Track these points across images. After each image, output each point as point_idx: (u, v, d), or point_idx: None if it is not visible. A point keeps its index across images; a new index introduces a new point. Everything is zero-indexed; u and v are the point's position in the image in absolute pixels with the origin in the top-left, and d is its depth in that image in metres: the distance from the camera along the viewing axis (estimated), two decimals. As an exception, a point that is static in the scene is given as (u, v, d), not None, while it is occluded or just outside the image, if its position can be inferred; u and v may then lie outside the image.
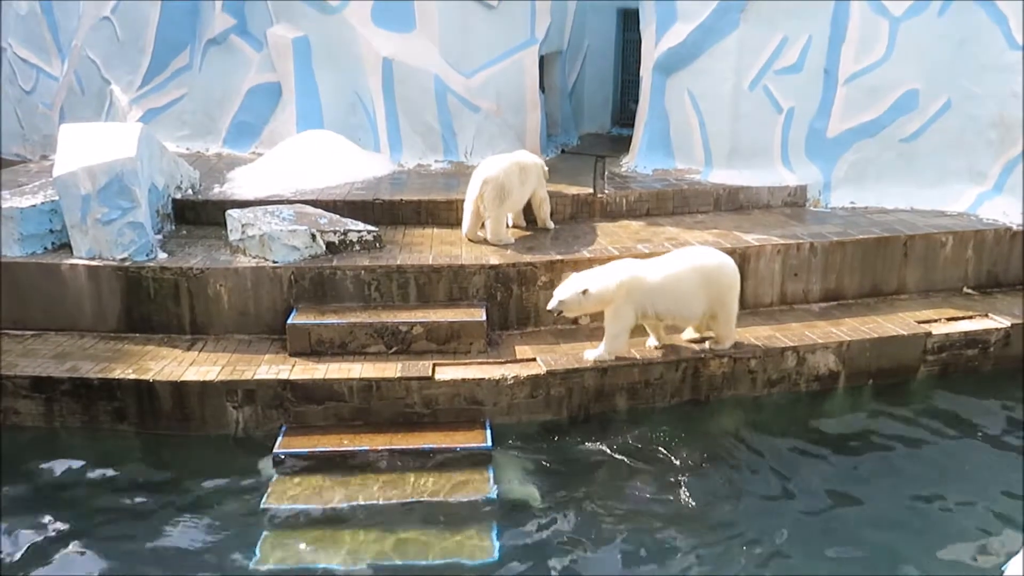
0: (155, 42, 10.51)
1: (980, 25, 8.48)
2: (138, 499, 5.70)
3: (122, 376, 6.32)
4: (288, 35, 9.98)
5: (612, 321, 6.55)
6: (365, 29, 9.76)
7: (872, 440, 6.48)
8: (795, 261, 7.74)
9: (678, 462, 6.12)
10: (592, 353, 6.64)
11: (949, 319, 7.53)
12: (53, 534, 5.35)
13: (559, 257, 7.29)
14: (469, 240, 7.71)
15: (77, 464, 6.04)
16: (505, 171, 7.58)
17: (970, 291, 8.18)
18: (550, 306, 6.50)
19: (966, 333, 7.34)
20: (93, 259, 7.08)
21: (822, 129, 8.96)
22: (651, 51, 9.46)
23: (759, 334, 7.16)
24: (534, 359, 6.67)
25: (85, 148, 7.18)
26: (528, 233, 8.00)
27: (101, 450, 6.19)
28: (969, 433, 6.57)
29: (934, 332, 7.27)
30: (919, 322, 7.42)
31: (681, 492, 5.80)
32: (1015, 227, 8.28)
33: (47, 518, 5.48)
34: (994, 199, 8.58)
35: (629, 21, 11.45)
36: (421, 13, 9.77)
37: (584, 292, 6.38)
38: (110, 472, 5.97)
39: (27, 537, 5.32)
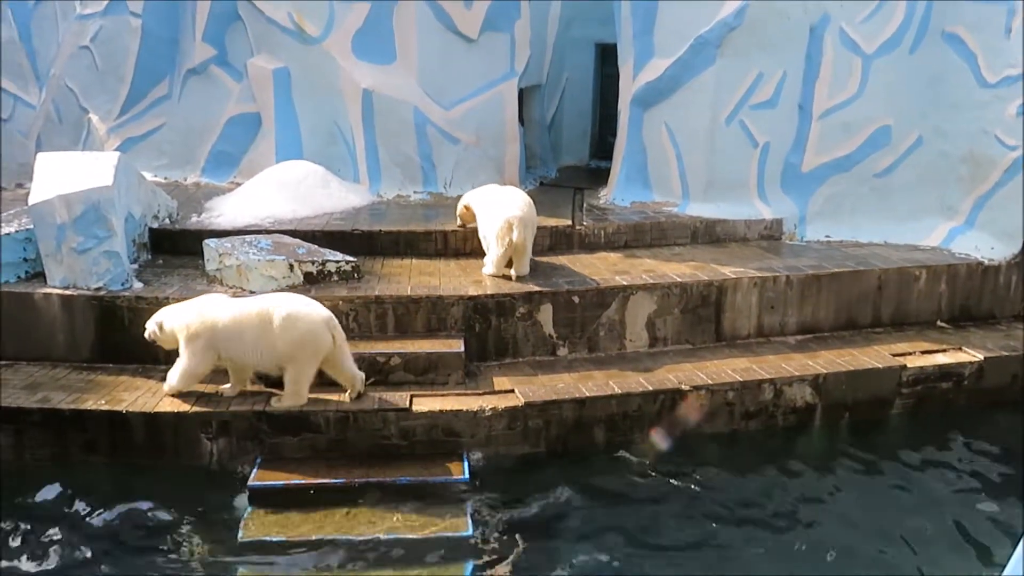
0: (134, 71, 10.52)
1: (950, 63, 8.67)
2: (110, 533, 5.58)
3: (94, 407, 6.21)
4: (268, 66, 10.02)
5: (182, 357, 6.21)
6: (346, 61, 9.82)
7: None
8: (772, 294, 7.80)
9: (656, 498, 6.10)
10: (167, 385, 6.32)
11: (923, 352, 7.60)
12: (19, 568, 5.24)
13: (537, 288, 7.30)
14: (493, 276, 7.54)
15: (47, 496, 5.91)
16: (530, 205, 7.62)
17: (943, 324, 8.28)
18: (146, 333, 6.35)
19: (940, 366, 7.40)
20: (67, 288, 7.00)
21: (797, 164, 9.08)
22: (629, 85, 9.57)
23: (736, 366, 7.18)
24: (512, 391, 6.64)
25: (62, 177, 7.13)
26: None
27: (71, 482, 6.06)
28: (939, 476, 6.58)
29: (909, 365, 7.33)
30: (894, 355, 7.48)
31: (659, 533, 5.77)
32: (987, 262, 8.41)
33: (16, 552, 5.36)
34: (966, 234, 8.71)
35: (607, 56, 11.60)
36: (401, 45, 9.85)
37: (159, 325, 6.23)
38: (80, 505, 5.84)
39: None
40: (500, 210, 7.48)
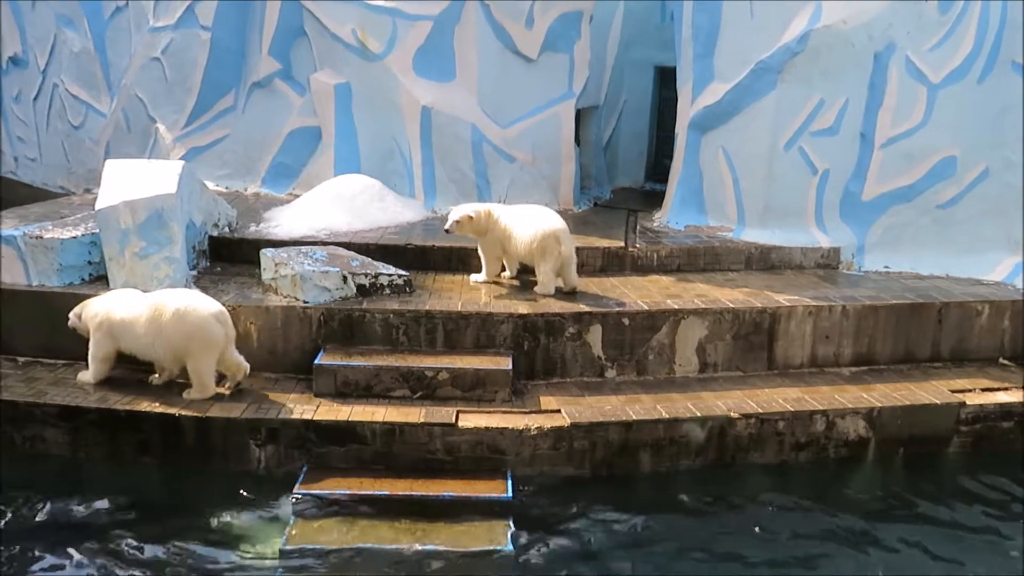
0: (202, 83, 10.81)
1: (1020, 93, 8.45)
2: (157, 534, 5.68)
3: (149, 409, 6.36)
4: (330, 81, 10.21)
5: (92, 347, 6.59)
6: (406, 77, 9.96)
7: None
8: (827, 324, 7.65)
9: (700, 526, 6.01)
10: (83, 375, 6.73)
11: (984, 390, 7.36)
12: (69, 564, 5.36)
13: (587, 309, 7.27)
14: (546, 295, 7.51)
15: (98, 495, 6.05)
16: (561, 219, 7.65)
17: (1006, 362, 8.02)
18: (69, 323, 6.66)
19: (1001, 405, 7.17)
20: (128, 292, 7.19)
21: (857, 192, 8.92)
22: (687, 109, 9.53)
23: (788, 396, 7.05)
24: (559, 410, 6.61)
25: (128, 183, 7.35)
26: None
27: (123, 482, 6.20)
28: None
29: (968, 402, 7.11)
30: (953, 391, 7.26)
31: (701, 559, 5.68)
32: (1053, 298, 8.15)
33: (66, 549, 5.48)
34: (1032, 269, 8.46)
35: (666, 79, 11.58)
36: (461, 64, 9.96)
37: (79, 315, 6.57)
38: (129, 506, 5.97)
39: (40, 570, 5.32)
40: (537, 226, 7.47)
